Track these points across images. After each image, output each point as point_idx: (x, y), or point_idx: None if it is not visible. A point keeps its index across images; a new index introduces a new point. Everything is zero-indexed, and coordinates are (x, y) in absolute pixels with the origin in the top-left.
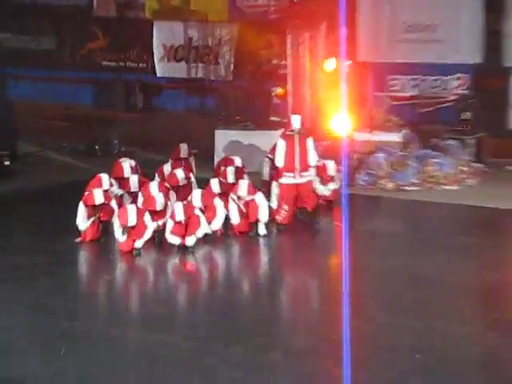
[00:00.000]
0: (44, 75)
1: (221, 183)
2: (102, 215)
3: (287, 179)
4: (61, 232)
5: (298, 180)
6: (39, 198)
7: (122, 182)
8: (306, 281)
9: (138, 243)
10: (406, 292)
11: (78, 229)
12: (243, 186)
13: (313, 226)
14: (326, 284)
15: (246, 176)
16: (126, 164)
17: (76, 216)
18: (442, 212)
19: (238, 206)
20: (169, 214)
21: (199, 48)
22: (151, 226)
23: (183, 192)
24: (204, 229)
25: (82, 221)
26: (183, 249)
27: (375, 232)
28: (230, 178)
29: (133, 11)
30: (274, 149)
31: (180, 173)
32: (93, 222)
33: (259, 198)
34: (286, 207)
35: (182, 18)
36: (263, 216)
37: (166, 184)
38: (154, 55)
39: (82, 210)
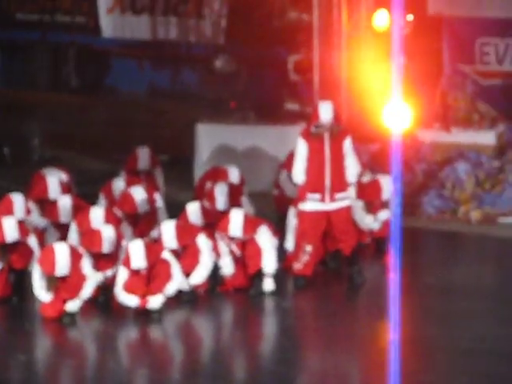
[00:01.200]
0: None
1: (205, 210)
2: (13, 260)
3: (312, 205)
4: None
5: (330, 206)
6: None
7: (47, 206)
8: (336, 368)
9: (72, 305)
10: None
11: None
12: (236, 220)
13: (351, 280)
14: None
15: (245, 199)
16: (53, 179)
17: None
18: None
19: (231, 250)
20: (121, 258)
21: None
22: (93, 277)
23: (144, 224)
24: (178, 283)
25: None
26: (143, 314)
27: (449, 289)
28: (221, 203)
29: None
30: (291, 156)
31: (139, 193)
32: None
33: (262, 236)
34: (308, 248)
35: None
36: (269, 265)
37: (117, 211)
38: (99, 3)
39: None
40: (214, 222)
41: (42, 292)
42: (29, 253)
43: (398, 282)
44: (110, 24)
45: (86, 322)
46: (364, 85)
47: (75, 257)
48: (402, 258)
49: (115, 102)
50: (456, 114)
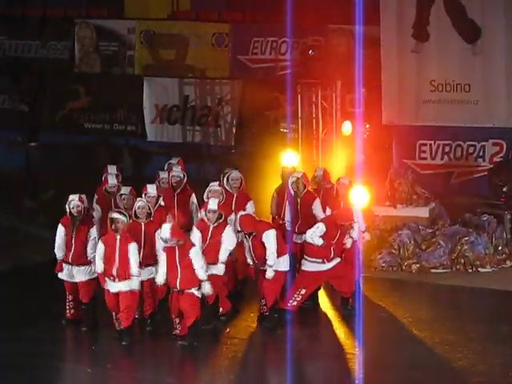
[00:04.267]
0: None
1: None
2: None
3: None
4: None
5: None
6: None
7: None
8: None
9: None
10: None
11: None
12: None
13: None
14: None
15: None
16: None
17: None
18: (476, 299)
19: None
20: None
21: (196, 108)
22: None
23: None
24: None
25: None
26: None
27: (396, 320)
28: None
29: (120, 66)
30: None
31: None
32: None
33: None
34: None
35: (177, 74)
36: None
37: None
38: (145, 116)
39: None
40: None
41: None
42: None
43: (361, 314)
44: (152, 131)
45: None
46: (334, 174)
47: None
48: (363, 298)
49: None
50: (400, 195)
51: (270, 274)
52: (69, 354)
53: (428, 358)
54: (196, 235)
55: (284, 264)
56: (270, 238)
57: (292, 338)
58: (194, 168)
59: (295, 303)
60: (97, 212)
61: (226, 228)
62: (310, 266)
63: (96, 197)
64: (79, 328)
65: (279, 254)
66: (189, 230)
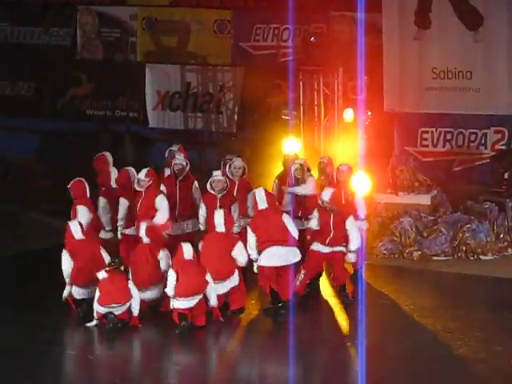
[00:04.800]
0: (20, 125)
1: None
2: None
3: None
4: None
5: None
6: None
7: None
8: None
9: None
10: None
11: None
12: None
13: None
14: None
15: None
16: None
17: None
18: (478, 286)
19: None
20: None
21: (198, 95)
22: None
23: None
24: None
25: None
26: None
27: (399, 307)
28: None
29: (122, 53)
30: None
31: None
32: None
33: None
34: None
35: (179, 60)
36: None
37: None
38: (147, 103)
39: None
40: None
41: None
42: None
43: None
44: (154, 117)
45: None
46: (336, 161)
47: None
48: (367, 285)
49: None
50: (402, 183)
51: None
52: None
53: (430, 346)
54: None
55: None
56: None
57: (294, 326)
58: (195, 155)
59: (298, 283)
60: None
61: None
62: (314, 245)
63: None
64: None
65: None
66: (192, 217)
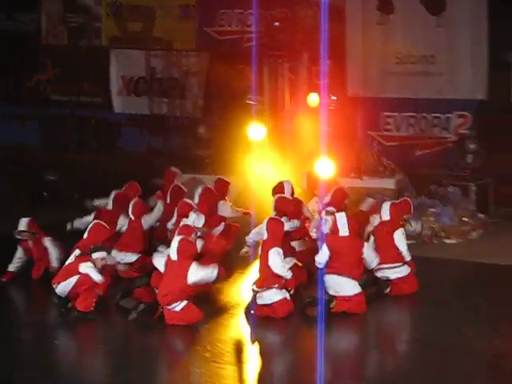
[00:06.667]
0: None
1: None
2: None
3: None
4: None
5: None
6: None
7: None
8: None
9: None
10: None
11: None
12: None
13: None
14: None
15: None
16: None
17: None
18: (442, 269)
19: None
20: None
21: (163, 80)
22: None
23: None
24: None
25: None
26: None
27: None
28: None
29: (86, 38)
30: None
31: None
32: None
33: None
34: None
35: (144, 45)
36: None
37: None
38: (111, 88)
39: None
40: None
41: None
42: None
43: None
44: (119, 103)
45: None
46: (300, 145)
47: None
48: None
49: (123, 159)
50: (366, 167)
51: None
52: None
53: (393, 327)
54: None
55: None
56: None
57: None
58: (160, 139)
59: None
60: None
61: None
62: None
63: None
64: None
65: None
66: None
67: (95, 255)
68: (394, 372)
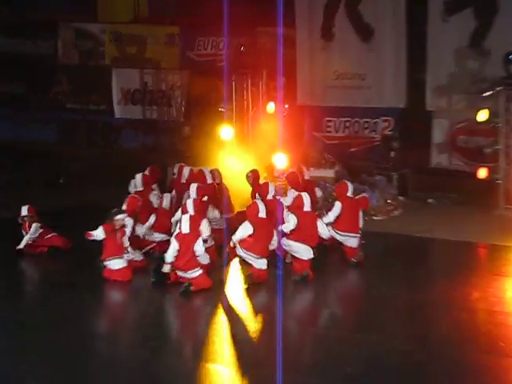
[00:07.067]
0: (14, 115)
1: None
2: None
3: None
4: None
5: None
6: None
7: None
8: None
9: None
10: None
11: None
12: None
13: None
14: None
15: None
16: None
17: None
18: (369, 241)
19: None
20: None
21: (153, 92)
22: None
23: None
24: None
25: None
26: None
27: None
28: None
29: (94, 59)
30: None
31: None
32: None
33: None
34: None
35: (138, 65)
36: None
37: None
38: (113, 98)
39: None
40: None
41: None
42: None
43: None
44: (119, 110)
45: None
46: (261, 143)
47: None
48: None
49: (122, 154)
50: (312, 160)
51: None
52: None
53: (333, 287)
54: None
55: None
56: None
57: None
58: (151, 139)
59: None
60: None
61: None
62: None
63: None
64: None
65: None
66: None
67: (117, 217)
68: (337, 317)
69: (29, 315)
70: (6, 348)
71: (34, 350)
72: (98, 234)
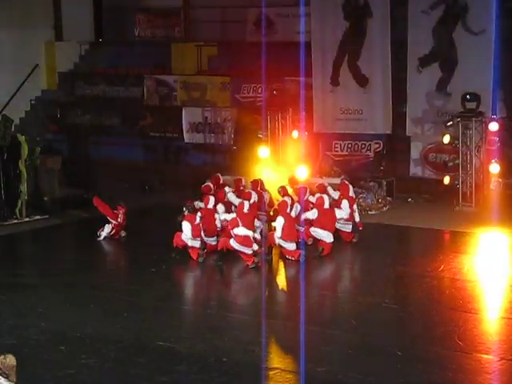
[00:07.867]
0: (112, 141)
1: None
2: None
3: None
4: None
5: None
6: None
7: None
8: None
9: None
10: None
11: None
12: None
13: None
14: None
15: None
16: None
17: None
18: (368, 230)
19: None
20: None
21: (212, 124)
22: None
23: None
24: None
25: None
26: None
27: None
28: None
29: (169, 101)
30: None
31: None
32: None
33: None
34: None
35: (201, 105)
36: None
37: None
38: (183, 128)
39: None
40: None
41: None
42: None
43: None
44: (187, 137)
45: None
46: (288, 160)
47: None
48: None
49: (189, 168)
50: (325, 171)
51: None
52: None
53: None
54: None
55: None
56: None
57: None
58: (210, 157)
59: None
60: None
61: None
62: None
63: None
64: None
65: None
66: None
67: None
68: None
69: None
70: None
71: None
72: (184, 226)
